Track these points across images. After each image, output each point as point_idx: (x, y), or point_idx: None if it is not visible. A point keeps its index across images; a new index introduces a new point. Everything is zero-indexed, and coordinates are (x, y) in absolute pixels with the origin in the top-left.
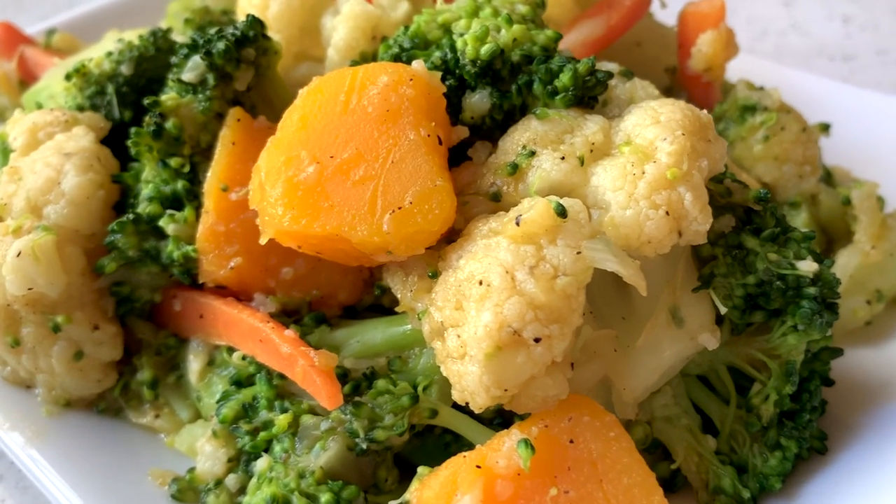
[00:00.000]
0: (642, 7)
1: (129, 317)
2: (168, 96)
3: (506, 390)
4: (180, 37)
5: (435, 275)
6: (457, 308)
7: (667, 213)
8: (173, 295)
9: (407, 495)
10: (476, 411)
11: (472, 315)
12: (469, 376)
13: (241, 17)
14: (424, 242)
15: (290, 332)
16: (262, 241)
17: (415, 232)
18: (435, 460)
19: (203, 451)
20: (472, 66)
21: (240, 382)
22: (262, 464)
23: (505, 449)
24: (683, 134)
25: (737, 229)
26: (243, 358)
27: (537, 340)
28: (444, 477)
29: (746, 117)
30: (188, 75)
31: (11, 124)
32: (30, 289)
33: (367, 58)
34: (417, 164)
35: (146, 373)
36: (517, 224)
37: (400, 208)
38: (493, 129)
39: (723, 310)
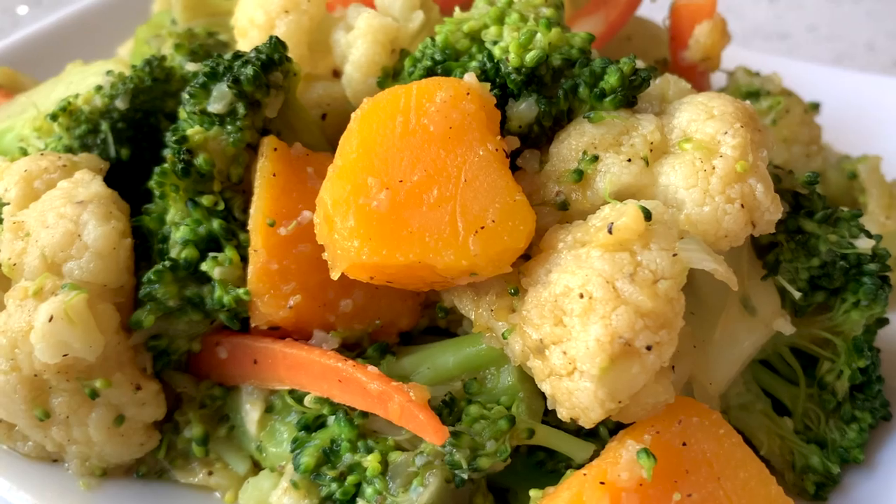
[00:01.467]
0: (636, 2)
1: (166, 371)
2: (194, 130)
3: (620, 402)
4: (192, 65)
5: (516, 292)
6: (556, 324)
7: (742, 205)
8: (216, 342)
9: None
10: (587, 427)
11: (576, 330)
12: (581, 392)
13: (240, 39)
14: (510, 260)
15: (374, 369)
16: (334, 275)
17: (502, 250)
18: (527, 480)
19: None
20: (516, 73)
21: (309, 427)
22: None
23: (624, 461)
24: (742, 126)
25: (792, 214)
26: (316, 400)
27: (649, 349)
28: (569, 497)
29: (751, 103)
30: (216, 106)
31: None
32: (65, 355)
33: (389, 73)
34: (492, 181)
35: (195, 429)
36: (609, 232)
37: (483, 228)
38: (540, 136)
39: (796, 295)
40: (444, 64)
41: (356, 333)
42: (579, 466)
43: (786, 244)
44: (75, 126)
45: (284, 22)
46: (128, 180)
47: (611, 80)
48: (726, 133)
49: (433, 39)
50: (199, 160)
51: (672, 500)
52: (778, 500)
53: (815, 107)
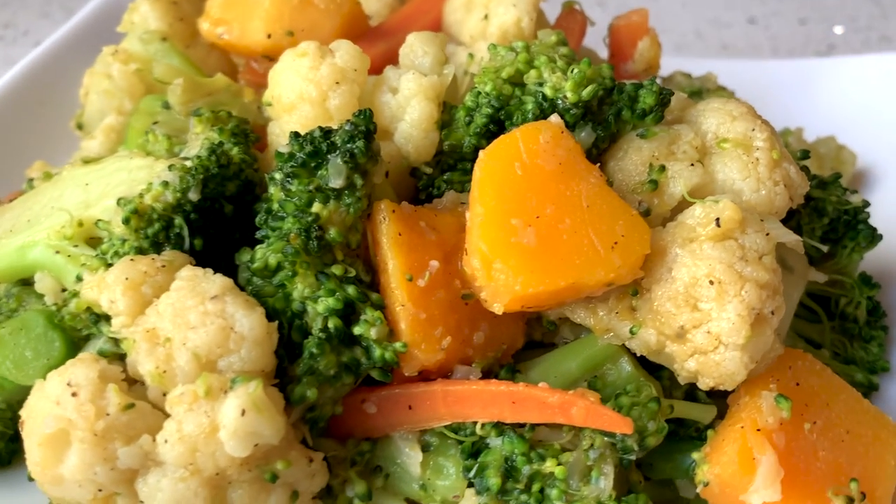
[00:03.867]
0: (584, 30)
1: (315, 440)
2: (322, 207)
3: (756, 363)
4: (284, 147)
5: (636, 292)
6: (693, 310)
7: (784, 186)
8: (362, 400)
9: (701, 475)
10: (729, 389)
11: (716, 311)
12: (729, 362)
13: (285, 115)
14: (639, 265)
15: (544, 384)
16: (498, 310)
17: (637, 258)
18: (660, 450)
19: None
20: (575, 108)
21: (475, 453)
22: None
23: (766, 408)
24: (762, 122)
25: None
26: (484, 427)
27: (773, 313)
28: (738, 448)
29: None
30: (336, 182)
31: (91, 288)
32: (255, 445)
33: (438, 125)
34: (609, 202)
35: (357, 486)
36: (718, 225)
37: (617, 243)
38: (596, 158)
39: (824, 248)
40: (504, 110)
41: (489, 361)
42: (706, 428)
43: (802, 210)
44: (146, 226)
45: (337, 93)
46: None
47: (648, 100)
48: (754, 130)
49: (477, 92)
50: (332, 233)
51: (804, 430)
52: (870, 410)
53: (730, 96)
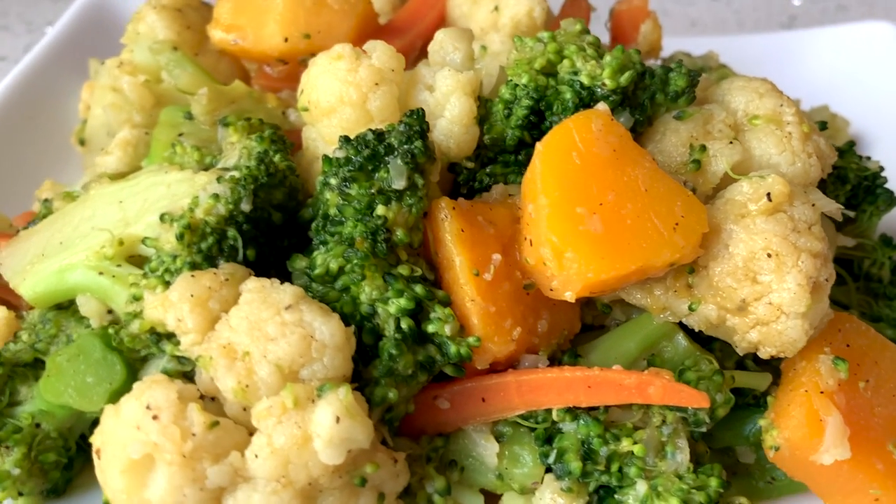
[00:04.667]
0: (589, 17)
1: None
2: (386, 209)
3: (815, 328)
4: (340, 152)
5: (692, 270)
6: (753, 283)
7: (817, 157)
8: (434, 396)
9: (770, 440)
10: (790, 356)
11: (776, 283)
12: (791, 330)
13: (324, 118)
14: (699, 243)
15: (618, 366)
16: (570, 298)
17: (697, 237)
18: (723, 418)
19: None
20: (614, 94)
21: (550, 439)
22: (641, 488)
23: (825, 371)
24: (787, 98)
25: None
26: (560, 412)
27: (827, 280)
28: (805, 411)
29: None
30: (399, 183)
31: (155, 308)
32: (349, 451)
33: (477, 120)
34: (666, 184)
35: (437, 482)
36: (769, 200)
37: (678, 224)
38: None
39: (851, 214)
40: (544, 100)
41: (552, 347)
42: (763, 395)
43: (827, 179)
44: (199, 240)
45: (377, 94)
46: None
47: (679, 82)
48: (782, 105)
49: (514, 84)
50: (399, 234)
51: (860, 388)
52: None
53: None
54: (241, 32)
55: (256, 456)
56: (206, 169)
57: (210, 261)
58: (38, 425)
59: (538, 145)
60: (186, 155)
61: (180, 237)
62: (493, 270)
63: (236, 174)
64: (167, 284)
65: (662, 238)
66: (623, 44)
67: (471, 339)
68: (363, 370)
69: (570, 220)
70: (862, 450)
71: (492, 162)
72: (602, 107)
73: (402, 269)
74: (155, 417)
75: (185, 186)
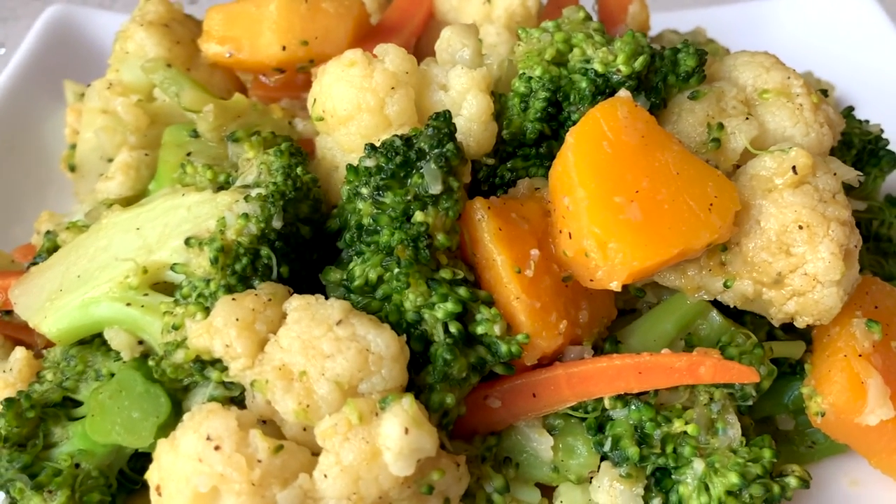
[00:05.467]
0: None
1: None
2: (425, 215)
3: (847, 293)
4: (370, 160)
5: (725, 248)
6: (788, 256)
7: (828, 126)
8: (485, 396)
9: (815, 407)
10: (826, 323)
11: (809, 254)
12: (828, 297)
13: (340, 127)
14: (733, 221)
15: (666, 350)
16: (616, 288)
17: (731, 216)
18: None
19: (616, 498)
20: (630, 80)
21: (602, 426)
22: (699, 467)
23: (860, 334)
24: (793, 70)
25: None
26: (612, 400)
27: (856, 246)
28: (846, 376)
29: None
30: (436, 188)
31: (200, 336)
32: (418, 461)
33: (494, 116)
34: (697, 166)
35: (496, 481)
36: (795, 172)
37: (713, 204)
38: None
39: (861, 178)
40: (560, 91)
41: (594, 337)
42: (798, 362)
43: (834, 146)
44: (233, 262)
45: (395, 99)
46: None
47: (689, 62)
48: (789, 78)
49: (528, 77)
50: (440, 239)
51: (892, 347)
52: None
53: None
54: (236, 44)
55: (326, 476)
56: (220, 187)
57: (244, 282)
58: (77, 465)
59: (568, 137)
60: (198, 175)
61: (215, 260)
62: (534, 266)
63: (263, 191)
64: (206, 311)
65: (699, 220)
66: (611, 25)
67: (520, 337)
68: (415, 377)
69: (610, 210)
70: None
71: (511, 157)
72: (624, 93)
73: (445, 273)
74: (217, 448)
75: (207, 208)
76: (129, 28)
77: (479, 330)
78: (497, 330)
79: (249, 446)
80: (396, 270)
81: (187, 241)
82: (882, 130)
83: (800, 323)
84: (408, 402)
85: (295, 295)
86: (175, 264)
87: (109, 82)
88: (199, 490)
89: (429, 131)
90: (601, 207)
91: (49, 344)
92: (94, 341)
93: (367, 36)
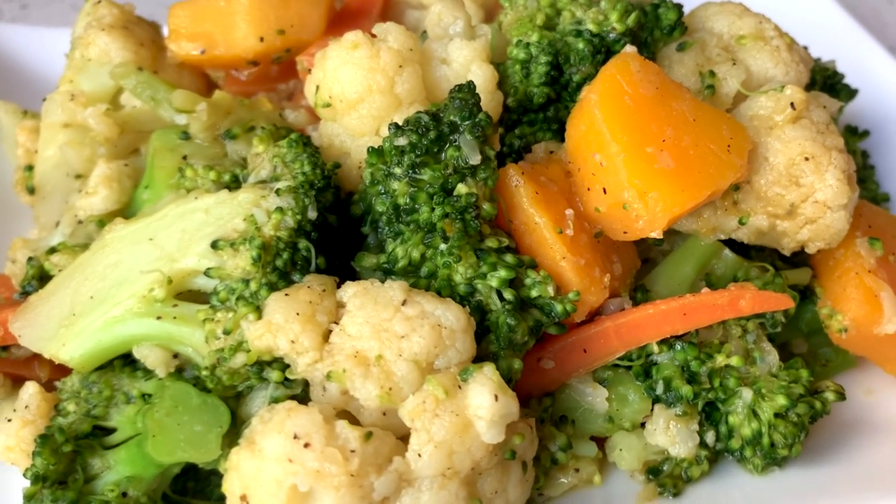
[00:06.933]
0: None
1: None
2: (468, 186)
3: (852, 216)
4: (402, 139)
5: (737, 187)
6: (798, 187)
7: (804, 64)
8: (538, 359)
9: (837, 325)
10: (835, 246)
11: (817, 182)
12: (837, 221)
13: (351, 111)
14: (747, 159)
15: (706, 288)
16: (658, 235)
17: (746, 154)
18: None
19: (674, 438)
20: (625, 36)
21: (648, 372)
22: (747, 395)
23: (865, 252)
24: (763, 15)
25: None
26: (659, 345)
27: (855, 171)
28: (861, 293)
29: None
30: (475, 158)
31: (261, 337)
32: (507, 425)
33: (496, 82)
34: (709, 112)
35: (559, 439)
36: (793, 108)
37: (730, 145)
38: None
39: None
40: (561, 53)
41: (629, 287)
42: (807, 288)
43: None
44: (273, 258)
45: (404, 77)
46: None
47: (670, 16)
48: (761, 23)
49: (526, 44)
50: (486, 208)
51: (891, 261)
52: None
53: None
54: (208, 40)
55: (420, 455)
56: (226, 187)
57: (285, 277)
58: (125, 494)
59: (590, 95)
60: (199, 177)
61: (257, 258)
62: (572, 225)
63: (290, 182)
64: (258, 311)
65: (723, 161)
66: None
67: (571, 295)
68: (477, 347)
69: (645, 161)
70: None
71: (517, 124)
72: (630, 48)
73: (491, 242)
74: (307, 445)
75: (228, 208)
76: (88, 34)
77: (534, 293)
78: (550, 291)
79: (339, 438)
80: (443, 246)
81: (215, 244)
82: (833, 62)
83: (811, 248)
84: (489, 370)
85: (349, 282)
86: (209, 269)
87: (71, 94)
88: (297, 489)
89: (455, 104)
90: (636, 159)
91: (55, 376)
92: (113, 364)
93: (336, 21)
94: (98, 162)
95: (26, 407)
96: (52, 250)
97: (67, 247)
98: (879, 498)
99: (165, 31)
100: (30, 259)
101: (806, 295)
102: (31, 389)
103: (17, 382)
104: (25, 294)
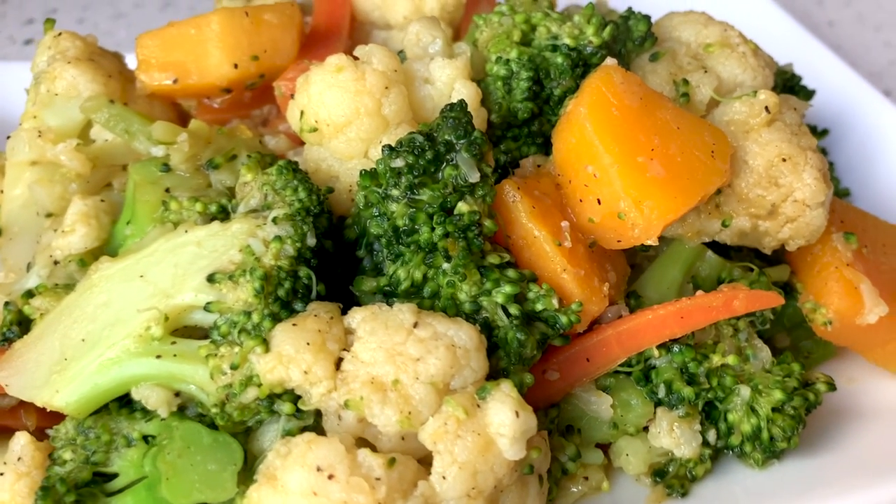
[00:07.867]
0: None
1: None
2: (469, 205)
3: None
4: (398, 161)
5: (720, 191)
6: (778, 187)
7: (769, 68)
8: (543, 371)
9: (821, 318)
10: (813, 242)
11: (795, 182)
12: (816, 218)
13: (338, 134)
14: (730, 161)
15: (699, 291)
16: (654, 243)
17: (728, 158)
18: None
19: (679, 439)
20: (601, 49)
21: (648, 376)
22: (745, 392)
23: (841, 247)
24: (727, 23)
25: None
26: (659, 349)
27: (829, 168)
28: (842, 286)
29: None
30: (474, 175)
31: (272, 370)
32: (528, 440)
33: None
34: (690, 119)
35: (569, 449)
36: (768, 111)
37: (714, 151)
38: None
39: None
40: (541, 67)
41: (623, 294)
42: (786, 284)
43: None
44: (275, 288)
45: (391, 99)
46: None
47: (641, 27)
48: (726, 31)
49: (505, 60)
50: (488, 224)
51: (864, 253)
52: (883, 222)
53: None
54: (180, 69)
55: (444, 477)
56: (213, 218)
57: (287, 307)
58: None
59: (580, 108)
60: (185, 209)
61: (260, 290)
62: (569, 237)
63: (286, 210)
64: (265, 343)
65: (708, 166)
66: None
67: (574, 306)
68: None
69: (638, 170)
70: (888, 300)
71: (501, 139)
72: (611, 61)
73: (492, 259)
74: (331, 477)
75: (222, 240)
76: (54, 68)
77: (538, 306)
78: (555, 303)
79: (362, 467)
80: (447, 265)
81: (211, 278)
82: (791, 64)
83: (792, 246)
84: (507, 386)
85: (355, 308)
86: (209, 303)
87: (38, 130)
88: None
89: (449, 123)
90: (629, 170)
91: (43, 424)
92: (108, 407)
93: (307, 44)
94: (72, 199)
95: (19, 459)
96: (30, 293)
97: (48, 289)
98: (872, 482)
99: (128, 61)
100: (6, 304)
101: (786, 291)
102: (22, 440)
103: (3, 433)
104: (7, 341)
